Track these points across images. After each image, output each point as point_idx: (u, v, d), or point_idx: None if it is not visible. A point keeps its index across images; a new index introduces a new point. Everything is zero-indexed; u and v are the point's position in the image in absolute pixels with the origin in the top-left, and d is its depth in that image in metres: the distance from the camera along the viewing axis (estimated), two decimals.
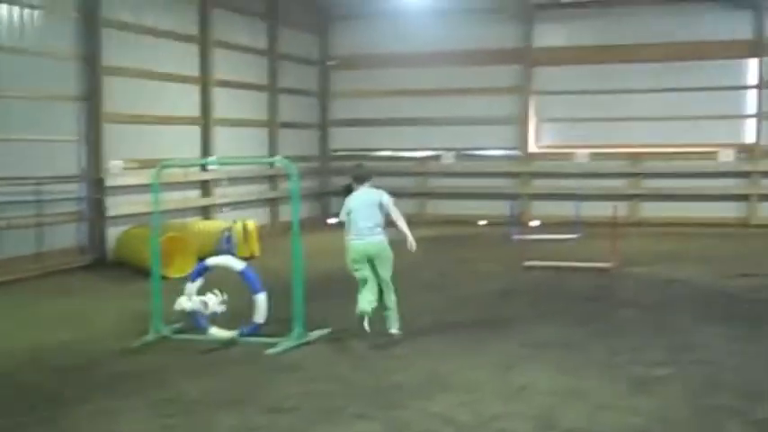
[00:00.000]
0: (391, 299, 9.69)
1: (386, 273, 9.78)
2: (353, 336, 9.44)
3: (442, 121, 25.65)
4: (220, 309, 9.57)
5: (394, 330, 9.52)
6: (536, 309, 11.25)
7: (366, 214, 9.96)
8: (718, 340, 9.19)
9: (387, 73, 25.99)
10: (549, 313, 10.90)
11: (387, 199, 10.11)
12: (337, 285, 13.31)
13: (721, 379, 7.69)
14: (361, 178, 10.47)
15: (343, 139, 26.72)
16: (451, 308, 11.49)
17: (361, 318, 9.30)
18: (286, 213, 21.84)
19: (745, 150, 23.84)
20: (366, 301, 9.46)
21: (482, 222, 23.98)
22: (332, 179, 26.03)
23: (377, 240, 9.86)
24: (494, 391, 7.41)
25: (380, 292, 9.64)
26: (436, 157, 26.07)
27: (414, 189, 25.89)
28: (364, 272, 9.74)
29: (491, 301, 12.02)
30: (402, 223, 10.08)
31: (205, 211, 20.02)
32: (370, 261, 9.78)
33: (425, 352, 8.88)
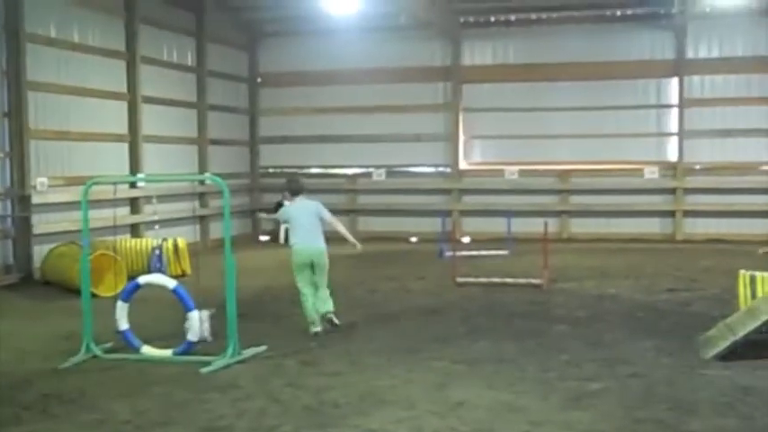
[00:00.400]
0: (329, 303, 10.80)
1: (322, 279, 10.78)
2: (288, 353, 9.39)
3: (372, 138, 25.70)
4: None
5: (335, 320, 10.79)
6: (469, 325, 11.27)
7: (308, 222, 10.90)
8: (649, 354, 9.31)
9: (317, 90, 25.98)
10: (481, 329, 10.93)
11: (322, 208, 11.25)
12: (270, 303, 13.31)
13: (653, 392, 7.78)
14: (295, 191, 11.49)
15: (272, 157, 26.63)
16: (384, 325, 11.45)
17: (313, 324, 10.58)
18: (216, 231, 21.69)
19: (669, 168, 24.28)
20: (314, 309, 10.61)
21: (413, 239, 24.06)
22: (262, 196, 25.91)
23: (320, 246, 10.84)
24: (430, 408, 7.40)
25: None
26: (367, 174, 26.10)
27: (344, 206, 25.87)
28: (306, 278, 10.72)
29: (424, 317, 12.02)
30: (341, 227, 11.40)
31: (134, 229, 19.74)
32: (311, 267, 10.69)
33: (360, 369, 8.84)
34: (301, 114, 26.21)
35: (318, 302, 10.77)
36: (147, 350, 9.48)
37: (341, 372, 8.73)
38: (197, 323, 9.35)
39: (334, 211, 24.91)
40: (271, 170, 26.49)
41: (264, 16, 25.68)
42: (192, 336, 9.35)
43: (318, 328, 10.57)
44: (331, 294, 10.96)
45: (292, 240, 11.05)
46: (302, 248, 10.82)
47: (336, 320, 10.82)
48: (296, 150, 26.38)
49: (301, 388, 8.13)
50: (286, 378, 8.52)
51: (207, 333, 9.51)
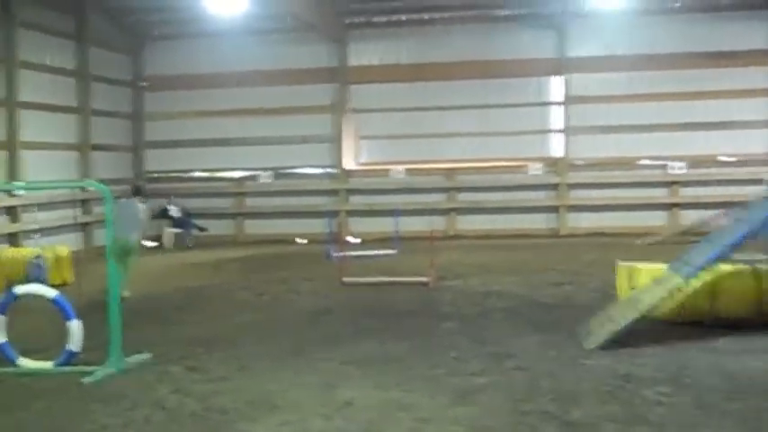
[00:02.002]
0: None
1: None
2: (174, 359, 9.24)
3: (259, 140, 25.54)
4: None
5: None
6: (357, 325, 11.26)
7: None
8: (534, 348, 9.45)
9: (202, 93, 25.68)
10: (369, 329, 10.93)
11: None
12: (155, 309, 13.05)
13: (538, 385, 7.90)
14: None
15: (158, 161, 26.19)
16: (272, 327, 11.37)
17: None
18: (101, 238, 21.22)
19: (553, 164, 24.75)
20: None
21: (301, 241, 23.97)
22: (148, 202, 25.46)
23: None
24: (318, 409, 7.36)
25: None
26: (254, 177, 25.90)
27: (231, 209, 25.76)
28: None
29: (312, 319, 11.96)
30: None
31: (13, 239, 19.14)
32: None
33: (248, 373, 8.74)
34: (188, 118, 25.87)
35: None
36: (25, 362, 9.20)
37: (228, 377, 8.62)
38: (78, 333, 9.13)
39: (221, 215, 25.04)
40: (156, 175, 26.04)
41: (149, 19, 25.21)
42: (74, 346, 9.12)
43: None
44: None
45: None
46: None
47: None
48: (182, 154, 26.01)
49: (188, 394, 7.99)
50: (172, 385, 8.36)
51: None
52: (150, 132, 26.27)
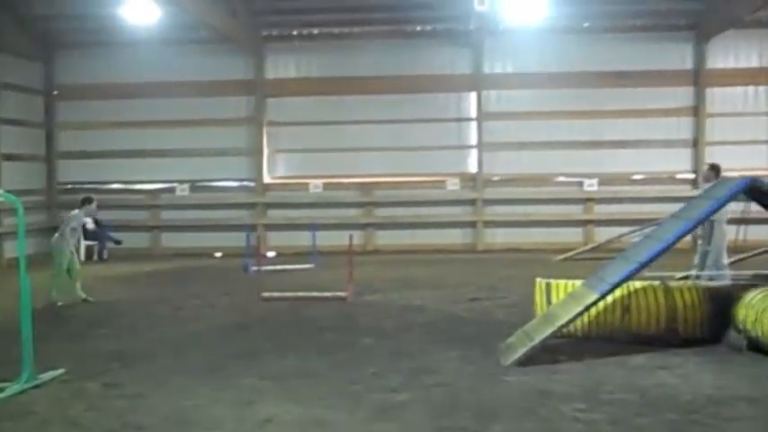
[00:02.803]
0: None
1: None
2: (89, 375, 9.06)
3: (175, 152, 25.27)
4: None
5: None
6: (275, 340, 11.19)
7: None
8: (454, 363, 9.49)
9: (117, 104, 25.32)
10: (288, 344, 10.87)
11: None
12: (69, 323, 12.79)
13: (458, 400, 7.94)
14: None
15: (71, 172, 25.72)
16: (190, 343, 11.22)
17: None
18: (12, 249, 20.79)
19: (470, 179, 24.98)
20: None
21: (218, 255, 23.77)
22: (60, 213, 24.97)
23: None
24: (236, 426, 7.30)
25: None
26: (170, 190, 25.61)
27: (147, 222, 25.42)
28: None
29: (229, 334, 11.84)
30: None
31: None
32: None
33: (165, 389, 8.60)
34: (102, 128, 25.46)
35: None
36: None
37: (145, 393, 8.47)
38: None
39: (136, 228, 24.66)
40: (70, 186, 25.57)
41: (61, 26, 24.78)
42: None
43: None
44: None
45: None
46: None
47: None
48: (96, 166, 25.58)
49: (103, 411, 7.84)
50: (86, 402, 8.19)
51: None
52: (63, 142, 25.77)
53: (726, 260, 14.10)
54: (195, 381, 8.95)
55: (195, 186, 25.50)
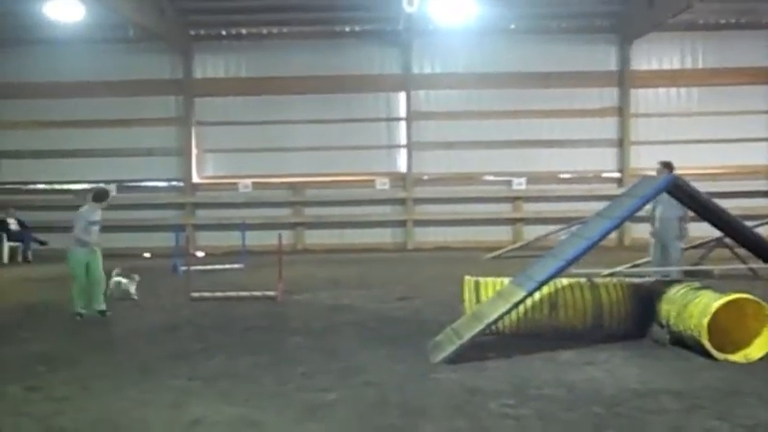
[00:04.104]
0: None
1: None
2: (11, 379, 8.89)
3: (102, 152, 25.04)
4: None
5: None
6: (204, 341, 11.10)
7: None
8: (384, 362, 9.51)
9: (42, 103, 25.02)
10: (217, 345, 10.79)
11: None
12: None
13: (387, 399, 7.96)
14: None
15: None
16: (117, 345, 11.09)
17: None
18: None
19: (399, 178, 25.08)
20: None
21: (147, 255, 23.52)
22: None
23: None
24: (164, 428, 7.22)
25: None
26: None
27: (72, 223, 25.02)
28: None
29: (158, 335, 11.72)
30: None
31: None
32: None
33: (92, 392, 8.46)
34: (27, 128, 25.15)
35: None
36: None
37: (71, 397, 8.33)
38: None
39: (62, 228, 24.23)
40: None
41: None
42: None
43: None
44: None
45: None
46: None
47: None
48: (21, 166, 25.28)
49: (26, 416, 7.68)
50: (9, 406, 8.02)
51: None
52: None
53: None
54: (123, 383, 8.83)
55: (123, 186, 25.23)
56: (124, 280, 15.26)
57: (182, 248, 19.28)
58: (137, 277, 15.38)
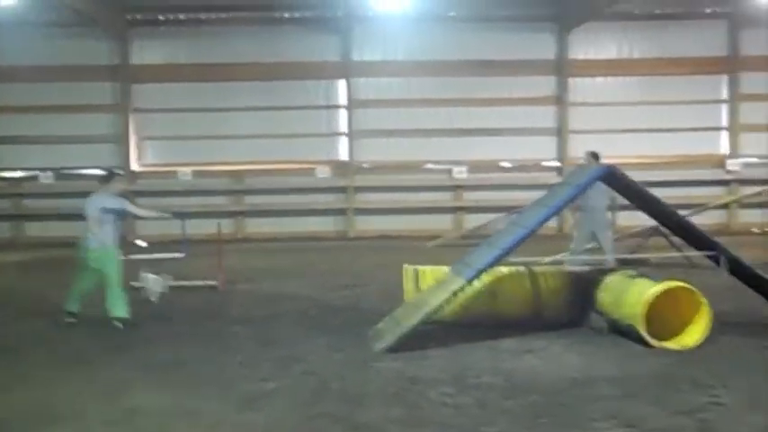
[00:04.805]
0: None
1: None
2: None
3: (38, 139, 24.68)
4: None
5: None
6: (144, 330, 11.01)
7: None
8: (324, 351, 9.53)
9: None
10: (157, 334, 10.71)
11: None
12: None
13: (327, 387, 7.98)
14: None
15: None
16: (56, 335, 10.94)
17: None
18: None
19: (340, 166, 25.07)
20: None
21: None
22: None
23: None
24: (102, 418, 7.17)
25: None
26: (33, 178, 24.93)
27: (9, 211, 24.69)
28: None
29: (97, 324, 11.59)
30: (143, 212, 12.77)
31: None
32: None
33: (30, 383, 8.38)
34: None
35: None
36: None
37: (8, 387, 8.23)
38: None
39: None
40: None
41: None
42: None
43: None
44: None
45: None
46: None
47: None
48: None
49: None
50: None
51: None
52: None
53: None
54: (62, 373, 8.75)
55: (60, 174, 24.90)
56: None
57: (122, 237, 19.08)
58: (169, 280, 14.05)
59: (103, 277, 11.23)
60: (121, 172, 11.87)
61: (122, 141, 25.13)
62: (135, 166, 25.22)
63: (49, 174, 25.08)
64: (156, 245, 21.35)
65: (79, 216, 23.86)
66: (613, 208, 14.24)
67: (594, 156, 14.57)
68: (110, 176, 11.68)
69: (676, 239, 13.41)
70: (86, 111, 25.00)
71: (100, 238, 11.14)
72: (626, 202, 11.52)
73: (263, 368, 8.79)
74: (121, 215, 11.58)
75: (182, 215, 17.20)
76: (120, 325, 11.06)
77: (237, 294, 14.04)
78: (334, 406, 7.41)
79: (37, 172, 25.12)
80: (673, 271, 13.93)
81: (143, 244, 22.20)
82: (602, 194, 13.21)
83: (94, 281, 11.43)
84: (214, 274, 14.86)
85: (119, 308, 11.21)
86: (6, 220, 25.04)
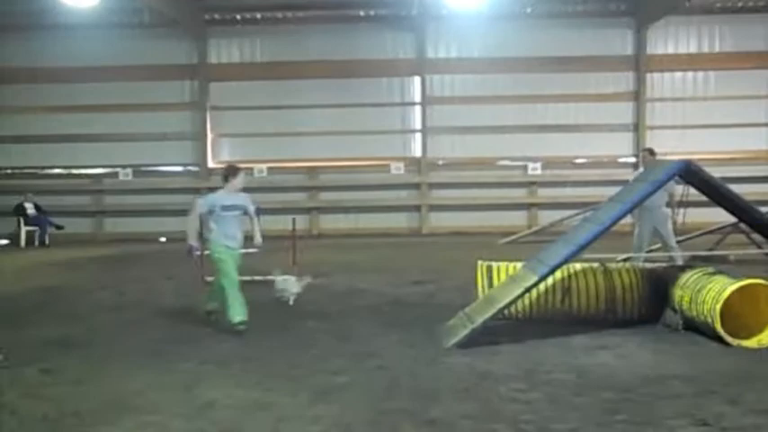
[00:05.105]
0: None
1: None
2: (26, 362, 8.96)
3: (117, 137, 25.13)
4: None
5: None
6: (218, 324, 11.14)
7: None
8: (396, 346, 9.54)
9: (57, 88, 25.16)
10: (230, 328, 10.80)
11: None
12: (8, 309, 12.67)
13: (398, 383, 7.99)
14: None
15: (10, 157, 25.43)
16: (131, 328, 11.13)
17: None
18: None
19: (414, 163, 25.08)
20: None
21: (162, 239, 23.63)
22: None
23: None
24: (178, 410, 7.26)
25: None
26: (113, 174, 25.43)
27: (89, 207, 25.19)
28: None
29: (172, 318, 11.79)
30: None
31: None
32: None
33: (105, 375, 8.53)
34: (40, 113, 25.24)
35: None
36: None
37: (84, 379, 8.39)
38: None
39: (79, 213, 24.31)
40: (9, 171, 25.31)
41: None
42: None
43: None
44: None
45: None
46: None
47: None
48: (38, 150, 25.43)
49: (40, 398, 7.74)
50: (23, 388, 8.08)
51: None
52: (1, 127, 25.44)
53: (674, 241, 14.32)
54: (136, 366, 8.89)
55: (138, 171, 25.40)
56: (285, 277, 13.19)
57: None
58: (306, 279, 13.30)
59: (224, 277, 10.61)
60: (242, 166, 10.60)
61: (200, 138, 25.46)
62: (211, 163, 25.53)
63: (128, 171, 25.54)
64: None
65: (157, 212, 24.26)
66: (671, 204, 14.01)
67: (650, 152, 14.42)
68: (233, 171, 10.92)
69: (756, 237, 13.18)
70: (165, 109, 25.40)
71: (230, 235, 10.73)
72: (686, 198, 11.35)
73: (335, 363, 8.84)
74: (245, 212, 11.10)
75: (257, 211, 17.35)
76: (243, 328, 10.27)
77: (311, 289, 14.09)
78: (406, 401, 7.41)
79: (117, 169, 25.59)
80: (753, 268, 13.69)
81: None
82: (661, 190, 13.00)
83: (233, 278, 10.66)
84: (288, 269, 14.96)
85: (237, 311, 10.41)
86: (87, 216, 25.53)
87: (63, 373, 8.65)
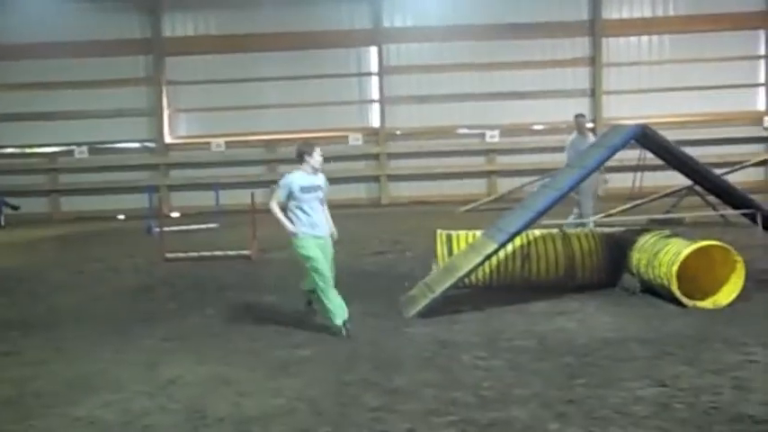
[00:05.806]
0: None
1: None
2: None
3: (72, 114, 24.85)
4: None
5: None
6: (179, 301, 11.12)
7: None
8: (357, 317, 9.49)
9: (10, 65, 24.77)
10: (192, 304, 10.80)
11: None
12: None
13: (360, 353, 8.01)
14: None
15: None
16: (92, 307, 11.06)
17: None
18: None
19: (372, 134, 25.05)
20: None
21: (120, 217, 23.47)
22: None
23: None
24: (140, 388, 7.23)
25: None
26: (68, 152, 25.15)
27: (45, 186, 24.93)
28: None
29: (133, 296, 11.73)
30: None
31: None
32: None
33: (66, 355, 8.47)
34: None
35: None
36: None
37: (45, 360, 8.33)
38: None
39: (34, 193, 24.03)
40: None
41: None
42: None
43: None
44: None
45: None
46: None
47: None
48: None
49: (1, 381, 7.66)
50: None
51: None
52: None
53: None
54: (98, 345, 8.84)
55: (94, 149, 25.12)
56: None
57: (155, 209, 19.25)
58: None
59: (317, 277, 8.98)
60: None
61: (156, 114, 25.23)
62: (168, 138, 25.33)
63: (84, 148, 25.27)
64: (190, 217, 21.56)
65: (114, 189, 24.08)
66: (635, 168, 14.07)
67: (582, 116, 14.65)
68: (308, 148, 9.26)
69: (712, 198, 13.31)
70: (120, 85, 25.13)
71: (314, 222, 9.07)
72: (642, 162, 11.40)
73: (296, 336, 8.84)
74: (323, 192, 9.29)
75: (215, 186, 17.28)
76: (348, 328, 8.84)
77: (270, 264, 14.10)
78: (368, 371, 7.44)
79: (72, 147, 25.31)
80: (709, 230, 13.85)
81: (175, 215, 22.41)
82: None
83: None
84: (247, 244, 14.93)
85: (338, 314, 8.92)
86: (43, 195, 25.27)
87: (24, 354, 8.59)
